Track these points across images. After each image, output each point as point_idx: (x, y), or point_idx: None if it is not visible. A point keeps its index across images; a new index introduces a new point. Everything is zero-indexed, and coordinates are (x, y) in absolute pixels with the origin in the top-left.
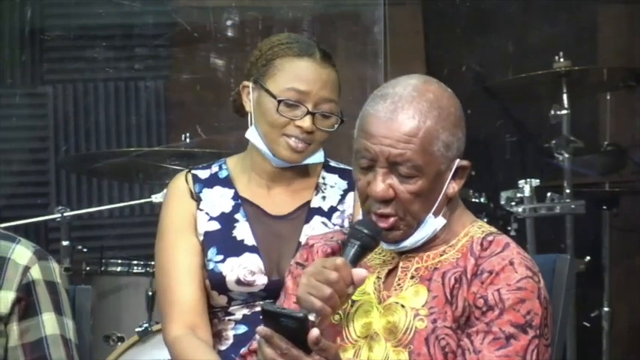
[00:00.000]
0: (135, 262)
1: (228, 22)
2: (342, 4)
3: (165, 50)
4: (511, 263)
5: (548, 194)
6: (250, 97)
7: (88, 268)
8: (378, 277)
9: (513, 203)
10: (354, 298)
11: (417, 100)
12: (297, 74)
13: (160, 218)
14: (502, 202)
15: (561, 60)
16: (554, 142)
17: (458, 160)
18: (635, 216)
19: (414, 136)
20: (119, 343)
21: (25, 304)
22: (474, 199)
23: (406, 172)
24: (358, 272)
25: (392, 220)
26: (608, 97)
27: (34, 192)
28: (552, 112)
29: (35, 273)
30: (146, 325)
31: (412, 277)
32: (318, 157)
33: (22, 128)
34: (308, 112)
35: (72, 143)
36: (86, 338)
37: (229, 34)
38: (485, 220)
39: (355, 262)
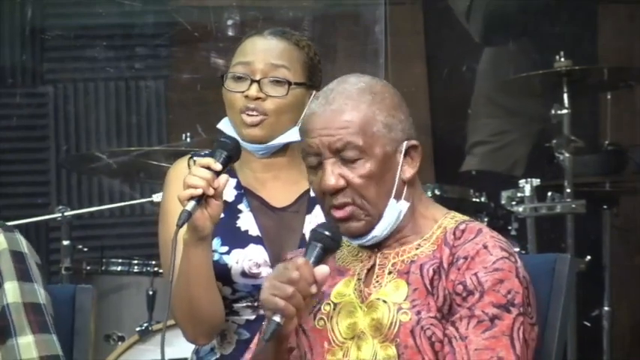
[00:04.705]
0: (135, 261)
1: (229, 22)
2: (342, 4)
3: (165, 50)
4: (485, 247)
5: (549, 194)
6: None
7: (88, 268)
8: (358, 279)
9: (514, 203)
10: (334, 300)
11: (348, 90)
12: (242, 51)
13: (161, 203)
14: (503, 202)
15: (562, 60)
16: (554, 142)
17: (406, 142)
18: (635, 216)
19: (349, 120)
20: (119, 343)
21: None
22: (474, 199)
23: (351, 156)
24: (320, 269)
25: (349, 208)
26: (609, 97)
27: (34, 192)
28: (553, 112)
29: None
30: (146, 324)
31: (390, 273)
32: (293, 135)
33: (22, 128)
34: (252, 81)
35: (72, 143)
36: (86, 338)
37: (230, 33)
38: (486, 219)
39: (317, 263)
